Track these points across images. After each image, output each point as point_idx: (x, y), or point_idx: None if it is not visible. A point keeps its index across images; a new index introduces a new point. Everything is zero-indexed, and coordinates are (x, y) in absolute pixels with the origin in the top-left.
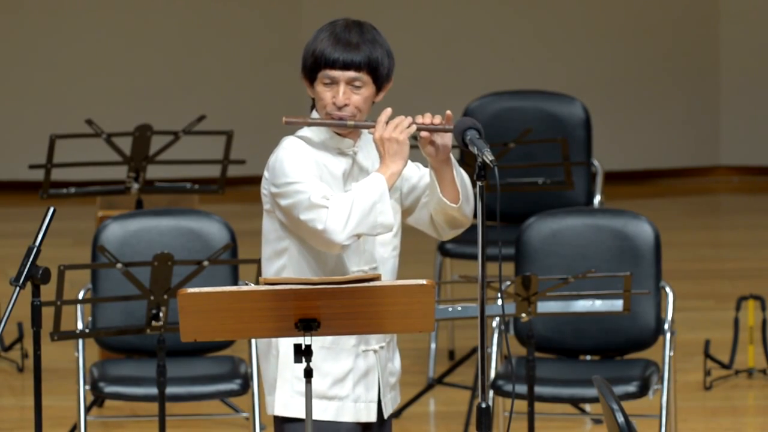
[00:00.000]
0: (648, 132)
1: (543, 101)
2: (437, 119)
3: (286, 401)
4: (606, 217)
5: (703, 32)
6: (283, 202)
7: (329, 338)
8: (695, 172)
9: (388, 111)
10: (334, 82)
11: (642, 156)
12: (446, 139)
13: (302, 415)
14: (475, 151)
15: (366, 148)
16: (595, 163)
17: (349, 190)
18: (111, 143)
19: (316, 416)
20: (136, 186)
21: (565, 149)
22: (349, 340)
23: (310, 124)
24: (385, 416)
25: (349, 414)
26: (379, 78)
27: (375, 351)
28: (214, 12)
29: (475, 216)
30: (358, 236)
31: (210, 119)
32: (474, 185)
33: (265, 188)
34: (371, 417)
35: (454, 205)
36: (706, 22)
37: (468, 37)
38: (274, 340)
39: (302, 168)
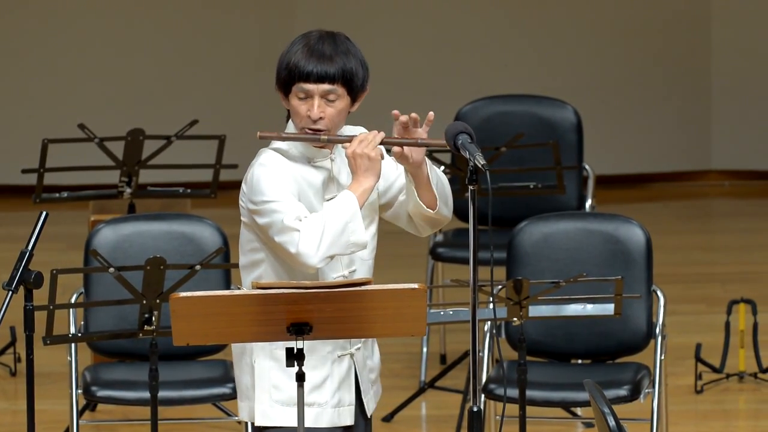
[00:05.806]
0: (639, 136)
1: (534, 105)
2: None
3: (266, 410)
4: (597, 221)
5: (694, 36)
6: (260, 221)
7: (306, 346)
8: (686, 176)
9: (374, 132)
10: (308, 95)
11: (633, 160)
12: (418, 152)
13: (282, 423)
14: (467, 156)
15: (343, 157)
16: (587, 167)
17: (329, 199)
18: (103, 147)
19: (294, 423)
20: (128, 190)
21: (557, 153)
22: (325, 347)
23: (284, 139)
24: (368, 415)
25: (327, 419)
26: (354, 89)
27: (351, 354)
28: (207, 17)
29: (467, 220)
30: (332, 257)
31: (202, 124)
32: (465, 189)
33: (243, 201)
34: (350, 420)
35: (431, 211)
36: (698, 25)
37: (459, 42)
38: (248, 348)
39: (279, 186)
